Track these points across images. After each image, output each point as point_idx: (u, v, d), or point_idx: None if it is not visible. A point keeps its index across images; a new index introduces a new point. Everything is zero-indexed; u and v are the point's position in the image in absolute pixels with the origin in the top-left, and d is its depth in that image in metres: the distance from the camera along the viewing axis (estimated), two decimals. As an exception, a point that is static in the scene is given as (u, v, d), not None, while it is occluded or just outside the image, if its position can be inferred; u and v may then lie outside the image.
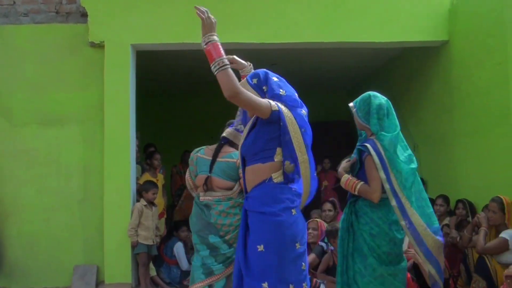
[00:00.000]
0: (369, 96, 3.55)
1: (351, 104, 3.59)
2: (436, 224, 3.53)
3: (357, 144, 3.64)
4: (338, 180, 9.07)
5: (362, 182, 3.43)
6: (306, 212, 7.15)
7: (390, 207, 3.35)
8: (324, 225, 4.91)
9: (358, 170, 3.54)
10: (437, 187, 6.59)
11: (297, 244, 2.73)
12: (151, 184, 5.78)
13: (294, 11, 5.95)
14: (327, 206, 5.97)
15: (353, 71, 9.35)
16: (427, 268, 3.47)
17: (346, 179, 3.50)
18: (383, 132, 3.42)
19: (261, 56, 6.84)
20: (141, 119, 6.44)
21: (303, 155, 2.78)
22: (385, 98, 3.56)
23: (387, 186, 3.34)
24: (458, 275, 4.88)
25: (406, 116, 7.75)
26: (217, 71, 2.63)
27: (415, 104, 7.41)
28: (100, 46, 5.78)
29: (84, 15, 5.86)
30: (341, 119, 10.98)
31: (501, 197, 4.49)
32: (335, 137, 10.38)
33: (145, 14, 5.82)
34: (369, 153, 3.36)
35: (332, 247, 4.40)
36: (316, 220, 5.15)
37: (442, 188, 6.34)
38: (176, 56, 7.02)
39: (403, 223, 3.32)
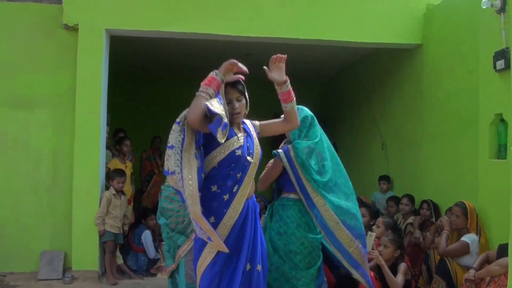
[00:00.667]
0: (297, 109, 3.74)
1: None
2: (358, 229, 3.75)
3: None
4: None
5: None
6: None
7: (302, 208, 3.67)
8: None
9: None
10: (403, 186, 6.77)
11: None
12: (117, 173, 5.78)
13: (271, 6, 5.95)
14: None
15: (327, 65, 9.43)
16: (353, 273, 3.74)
17: None
18: (299, 140, 3.76)
19: (235, 46, 6.86)
20: (111, 102, 6.35)
21: None
22: (310, 113, 3.97)
23: (297, 189, 3.64)
24: (419, 275, 5.05)
25: (376, 113, 7.90)
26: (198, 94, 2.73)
27: (386, 102, 7.54)
28: (74, 29, 5.65)
29: (59, -5, 5.71)
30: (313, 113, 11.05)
31: (465, 202, 4.66)
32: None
33: (121, -2, 5.73)
34: (279, 157, 3.73)
35: None
36: None
37: (408, 187, 6.51)
38: (149, 41, 6.94)
39: (314, 219, 3.62)
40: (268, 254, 3.44)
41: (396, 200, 6.34)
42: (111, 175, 5.77)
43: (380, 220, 4.93)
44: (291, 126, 3.13)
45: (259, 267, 2.91)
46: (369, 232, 4.51)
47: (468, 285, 4.00)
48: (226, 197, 2.80)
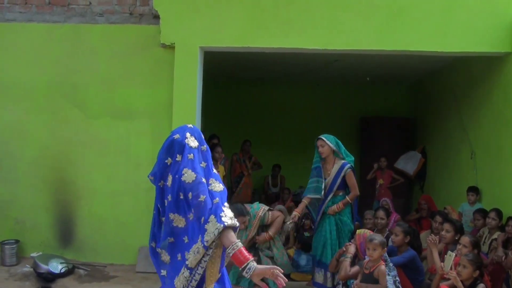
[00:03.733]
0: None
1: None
2: None
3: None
4: (393, 179, 9.22)
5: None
6: (361, 212, 7.37)
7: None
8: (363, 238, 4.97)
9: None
10: (491, 199, 6.57)
11: None
12: None
13: (353, 19, 6.06)
14: (380, 214, 6.13)
15: (414, 70, 9.30)
16: None
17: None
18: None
19: (322, 54, 6.98)
20: (204, 108, 6.72)
21: None
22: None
23: None
24: (500, 294, 4.97)
25: (465, 121, 7.70)
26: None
27: (476, 111, 7.32)
28: (170, 47, 6.15)
29: (156, 17, 6.22)
30: (401, 115, 10.91)
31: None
32: (393, 134, 10.33)
33: (212, 17, 6.10)
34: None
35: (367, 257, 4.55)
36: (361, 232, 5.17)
37: (496, 200, 6.32)
38: (239, 53, 7.30)
39: None
40: None
41: (483, 213, 6.17)
42: None
43: (467, 240, 4.81)
44: None
45: None
46: (449, 252, 4.50)
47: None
48: None
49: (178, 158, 2.83)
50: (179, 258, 2.76)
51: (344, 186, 5.55)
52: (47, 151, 6.40)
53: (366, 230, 5.08)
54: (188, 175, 2.75)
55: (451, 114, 8.37)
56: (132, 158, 6.38)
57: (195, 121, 6.16)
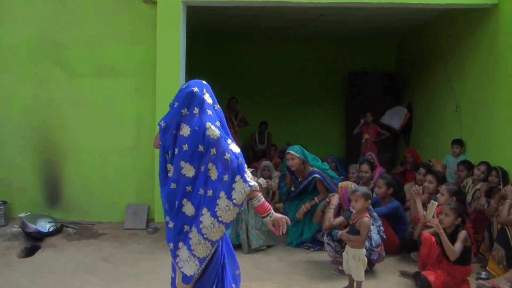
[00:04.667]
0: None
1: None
2: None
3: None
4: (379, 134, 9.31)
5: None
6: (346, 166, 7.43)
7: None
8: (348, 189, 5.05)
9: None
10: (475, 151, 6.68)
11: None
12: None
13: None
14: (364, 167, 6.20)
15: (401, 24, 9.24)
16: None
17: None
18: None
19: (309, 8, 6.92)
20: (188, 64, 6.63)
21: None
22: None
23: None
24: (482, 241, 5.10)
25: (451, 74, 7.72)
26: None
27: (461, 65, 7.33)
28: (153, 2, 6.04)
29: (138, -28, 6.07)
30: (387, 71, 10.91)
31: (531, 171, 4.61)
32: (379, 89, 10.33)
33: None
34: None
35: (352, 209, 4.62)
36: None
37: (480, 153, 6.43)
38: (224, 7, 7.19)
39: None
40: None
41: (467, 164, 6.27)
42: None
43: (443, 188, 4.97)
44: None
45: None
46: (432, 201, 4.61)
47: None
48: None
49: (196, 111, 2.96)
50: (176, 205, 2.95)
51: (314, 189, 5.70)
52: (31, 112, 6.34)
53: (349, 182, 5.16)
54: (212, 131, 2.89)
55: (437, 68, 8.38)
56: (117, 117, 6.35)
57: (179, 78, 6.10)
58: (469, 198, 5.74)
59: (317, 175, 5.55)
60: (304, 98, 11.26)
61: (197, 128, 2.90)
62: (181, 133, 2.94)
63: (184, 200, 2.95)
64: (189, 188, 2.93)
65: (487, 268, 4.64)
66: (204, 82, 3.14)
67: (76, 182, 6.39)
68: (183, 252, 3.00)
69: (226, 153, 2.85)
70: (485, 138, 6.45)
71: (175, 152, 2.95)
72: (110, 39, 6.26)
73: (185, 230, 2.98)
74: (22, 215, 6.00)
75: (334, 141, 11.52)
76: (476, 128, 6.76)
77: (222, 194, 2.85)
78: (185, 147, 2.90)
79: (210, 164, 2.89)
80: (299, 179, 5.74)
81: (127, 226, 6.08)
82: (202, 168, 2.91)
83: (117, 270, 4.64)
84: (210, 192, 2.89)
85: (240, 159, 2.90)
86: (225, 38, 10.76)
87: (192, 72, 8.00)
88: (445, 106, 7.94)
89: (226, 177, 2.84)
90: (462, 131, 7.21)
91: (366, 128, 9.07)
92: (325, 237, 4.87)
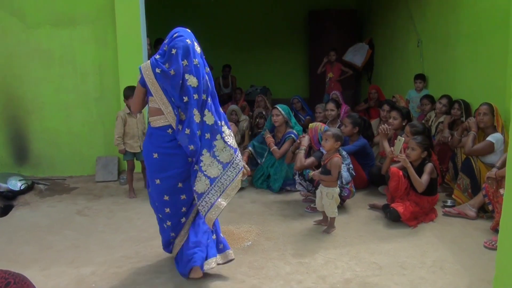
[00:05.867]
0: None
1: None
2: None
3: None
4: (343, 72, 9.39)
5: None
6: (312, 107, 7.49)
7: None
8: (317, 130, 5.13)
9: None
10: (437, 85, 6.84)
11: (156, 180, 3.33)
12: (131, 90, 5.18)
13: None
14: (330, 106, 6.28)
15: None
16: None
17: None
18: None
19: None
20: (148, 12, 6.47)
21: (167, 108, 3.19)
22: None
23: None
24: (446, 171, 5.33)
25: (412, 10, 7.75)
26: None
27: (422, 0, 7.36)
28: None
29: None
30: (346, 7, 10.85)
31: (490, 102, 4.77)
32: (341, 26, 10.32)
33: None
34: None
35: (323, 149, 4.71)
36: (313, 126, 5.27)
37: (442, 86, 6.59)
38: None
39: None
40: None
41: (430, 98, 6.44)
42: (126, 93, 5.26)
43: (407, 129, 5.09)
44: None
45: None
46: (398, 137, 4.75)
47: (490, 183, 4.26)
48: None
49: (195, 62, 3.17)
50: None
51: None
52: (-11, 68, 6.08)
53: (318, 123, 5.25)
54: (208, 81, 3.26)
55: (398, 3, 8.39)
56: (78, 67, 6.16)
57: (139, 24, 5.94)
58: (432, 131, 5.92)
59: (292, 135, 5.67)
60: (267, 39, 11.17)
61: (202, 79, 3.17)
62: (188, 83, 3.12)
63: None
64: (199, 133, 3.19)
65: (453, 196, 4.90)
66: (188, 29, 3.28)
67: (42, 137, 6.25)
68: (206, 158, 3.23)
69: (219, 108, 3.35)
70: (447, 72, 6.59)
71: (184, 101, 3.13)
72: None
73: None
74: (-10, 175, 5.87)
75: (297, 81, 11.57)
76: (438, 62, 6.88)
77: (218, 136, 3.24)
78: (195, 96, 3.14)
79: (206, 111, 3.22)
80: (277, 138, 5.88)
81: (99, 179, 6.05)
82: (203, 114, 3.21)
83: (93, 223, 4.65)
84: (207, 135, 3.22)
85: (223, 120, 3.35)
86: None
87: (152, 17, 7.81)
88: (407, 41, 8.02)
89: (220, 123, 3.27)
90: (423, 65, 7.34)
91: (329, 66, 9.11)
92: (296, 177, 4.99)
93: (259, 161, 5.91)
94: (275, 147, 5.69)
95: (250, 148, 5.96)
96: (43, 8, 6.01)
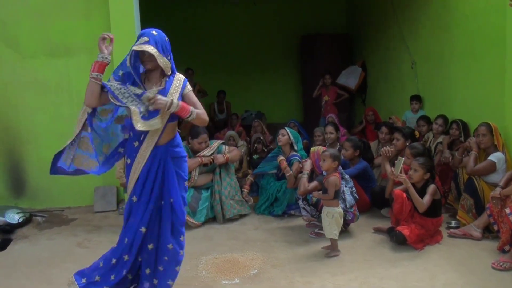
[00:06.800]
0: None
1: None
2: None
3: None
4: (338, 95, 9.42)
5: None
6: (310, 130, 7.48)
7: None
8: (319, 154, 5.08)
9: None
10: (433, 105, 6.86)
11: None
12: None
13: None
14: (329, 129, 6.28)
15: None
16: None
17: None
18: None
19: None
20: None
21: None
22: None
23: None
24: (449, 192, 5.31)
25: (404, 31, 7.83)
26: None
27: (415, 21, 7.43)
28: (102, -29, 5.75)
29: None
30: (338, 32, 10.98)
31: (488, 122, 4.80)
32: (332, 50, 10.42)
33: None
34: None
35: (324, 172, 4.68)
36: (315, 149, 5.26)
37: (438, 107, 6.61)
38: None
39: None
40: None
41: (426, 119, 6.46)
42: None
43: (407, 151, 5.06)
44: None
45: (172, 200, 3.29)
46: (399, 157, 4.74)
47: (494, 202, 4.25)
48: (136, 143, 3.28)
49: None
50: None
51: None
52: (-16, 98, 6.02)
53: (320, 147, 5.23)
54: None
55: (390, 25, 8.47)
56: (75, 96, 6.09)
57: (136, 53, 5.91)
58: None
59: (297, 158, 5.65)
60: (260, 64, 11.25)
61: None
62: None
63: None
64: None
65: (457, 217, 4.86)
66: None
67: (39, 168, 6.13)
68: None
69: None
70: (442, 92, 6.63)
71: None
72: (61, 13, 5.95)
73: None
74: (-13, 208, 5.76)
75: (291, 105, 11.62)
76: (433, 82, 6.92)
77: None
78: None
79: None
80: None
81: (97, 209, 5.96)
82: None
83: (94, 254, 4.51)
84: None
85: None
86: (179, 4, 10.54)
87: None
88: (400, 63, 8.08)
89: None
90: (418, 86, 7.39)
91: (325, 90, 9.14)
92: (300, 202, 4.95)
93: (259, 183, 5.87)
94: (291, 172, 5.52)
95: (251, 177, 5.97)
96: (38, 39, 5.99)
